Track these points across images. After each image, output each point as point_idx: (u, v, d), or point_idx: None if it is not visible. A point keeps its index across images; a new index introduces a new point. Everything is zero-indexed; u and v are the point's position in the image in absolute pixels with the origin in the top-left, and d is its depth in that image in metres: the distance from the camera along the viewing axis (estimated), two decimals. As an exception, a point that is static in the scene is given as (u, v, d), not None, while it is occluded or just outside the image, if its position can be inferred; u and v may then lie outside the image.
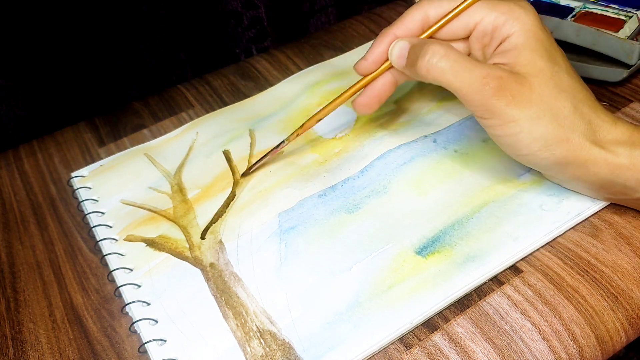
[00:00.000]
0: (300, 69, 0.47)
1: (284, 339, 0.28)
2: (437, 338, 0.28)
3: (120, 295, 0.32)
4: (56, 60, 0.42)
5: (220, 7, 0.47)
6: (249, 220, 0.34)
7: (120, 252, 0.33)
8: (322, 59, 0.48)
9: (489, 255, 0.30)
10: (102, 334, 0.30)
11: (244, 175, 0.37)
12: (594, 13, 0.40)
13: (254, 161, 0.38)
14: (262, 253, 0.32)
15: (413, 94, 0.42)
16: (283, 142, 0.36)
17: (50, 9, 0.40)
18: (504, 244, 0.31)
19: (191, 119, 0.44)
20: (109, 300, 0.32)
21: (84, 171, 0.40)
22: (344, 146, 0.38)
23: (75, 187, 0.38)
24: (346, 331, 0.28)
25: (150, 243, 0.34)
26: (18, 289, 0.33)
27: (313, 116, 0.35)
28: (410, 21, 0.33)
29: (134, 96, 0.47)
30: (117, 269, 0.32)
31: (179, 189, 0.37)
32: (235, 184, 0.37)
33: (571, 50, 0.39)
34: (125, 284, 0.32)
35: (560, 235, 0.31)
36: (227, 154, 0.39)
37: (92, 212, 0.36)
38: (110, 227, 0.35)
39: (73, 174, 0.40)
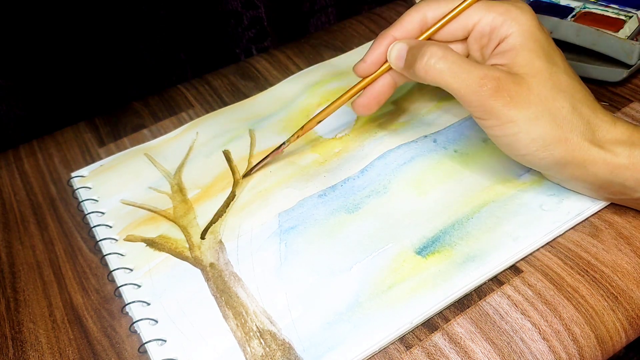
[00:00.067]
0: (300, 69, 0.47)
1: (284, 339, 0.28)
2: (437, 338, 0.28)
3: (120, 295, 0.32)
4: (56, 60, 0.42)
5: (220, 7, 0.47)
6: (249, 220, 0.34)
7: (120, 252, 0.33)
8: (322, 59, 0.48)
9: (489, 255, 0.30)
10: (102, 334, 0.30)
11: (245, 176, 0.37)
12: (594, 13, 0.40)
13: (254, 161, 0.38)
14: (262, 253, 0.32)
15: (412, 94, 0.42)
16: (284, 143, 0.36)
17: (50, 9, 0.40)
18: (504, 244, 0.31)
19: (191, 119, 0.44)
20: (109, 300, 0.32)
21: (84, 171, 0.40)
22: (344, 146, 0.38)
23: (75, 187, 0.38)
24: (346, 331, 0.28)
25: (150, 243, 0.34)
26: (18, 289, 0.33)
27: (313, 118, 0.36)
28: (408, 23, 0.33)
29: (134, 96, 0.47)
30: (117, 269, 0.32)
31: (179, 189, 0.37)
32: (235, 184, 0.37)
33: (571, 50, 0.39)
34: (125, 284, 0.32)
35: (560, 235, 0.31)
36: (227, 154, 0.39)
37: (92, 212, 0.36)
38: (110, 227, 0.35)
39: (73, 174, 0.40)
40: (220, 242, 0.33)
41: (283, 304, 0.29)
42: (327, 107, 0.35)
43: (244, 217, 0.34)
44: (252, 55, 0.51)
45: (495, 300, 0.29)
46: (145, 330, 0.29)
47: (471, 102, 0.29)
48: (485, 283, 0.30)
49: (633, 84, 0.40)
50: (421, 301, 0.29)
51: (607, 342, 0.27)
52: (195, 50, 0.48)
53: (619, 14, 0.40)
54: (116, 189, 0.38)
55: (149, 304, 0.30)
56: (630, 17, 0.39)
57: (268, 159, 0.37)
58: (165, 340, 0.29)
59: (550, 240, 0.31)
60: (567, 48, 0.38)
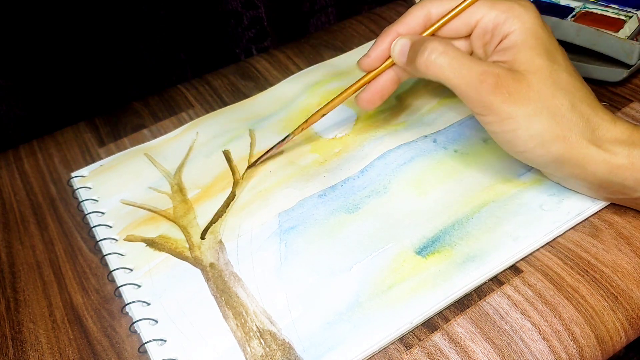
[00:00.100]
0: (300, 69, 0.47)
1: (284, 339, 0.28)
2: (437, 338, 0.28)
3: (120, 295, 0.32)
4: (56, 60, 0.42)
5: (220, 7, 0.47)
6: (249, 220, 0.34)
7: (120, 252, 0.33)
8: (322, 59, 0.48)
9: (489, 255, 0.30)
10: (102, 334, 0.30)
11: (250, 167, 0.37)
12: (594, 13, 0.40)
13: (254, 161, 0.38)
14: (262, 253, 0.32)
15: (416, 90, 0.42)
16: (288, 136, 0.37)
17: (50, 9, 0.40)
18: (504, 244, 0.31)
19: (191, 119, 0.44)
20: (109, 300, 0.32)
21: (84, 171, 0.40)
22: (344, 146, 0.38)
23: (75, 187, 0.38)
24: (346, 331, 0.28)
25: (150, 243, 0.34)
26: (18, 289, 0.33)
27: (318, 111, 0.36)
28: (412, 19, 0.33)
29: (134, 96, 0.47)
30: (117, 269, 0.32)
31: (179, 189, 0.37)
32: (235, 184, 0.37)
33: (571, 50, 0.39)
34: (125, 284, 0.32)
35: (560, 235, 0.31)
36: (227, 154, 0.39)
37: (92, 212, 0.36)
38: (110, 227, 0.35)
39: (73, 174, 0.40)
40: (220, 242, 0.33)
41: (283, 304, 0.29)
42: (331, 100, 0.35)
43: (244, 217, 0.34)
44: (252, 55, 0.51)
45: (495, 300, 0.29)
46: (145, 330, 0.29)
47: (471, 97, 0.29)
48: (485, 283, 0.30)
49: (633, 84, 0.40)
50: (421, 301, 0.29)
51: (607, 342, 0.27)
52: (195, 50, 0.48)
53: (619, 14, 0.40)
54: (116, 189, 0.38)
55: (149, 304, 0.30)
56: (630, 17, 0.39)
57: (273, 151, 0.37)
58: (165, 340, 0.29)
59: (550, 240, 0.31)
60: (567, 48, 0.38)
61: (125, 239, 0.34)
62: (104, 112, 0.46)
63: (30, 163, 0.42)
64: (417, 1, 0.34)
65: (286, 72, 0.47)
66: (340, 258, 0.31)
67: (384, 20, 0.52)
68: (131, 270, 0.32)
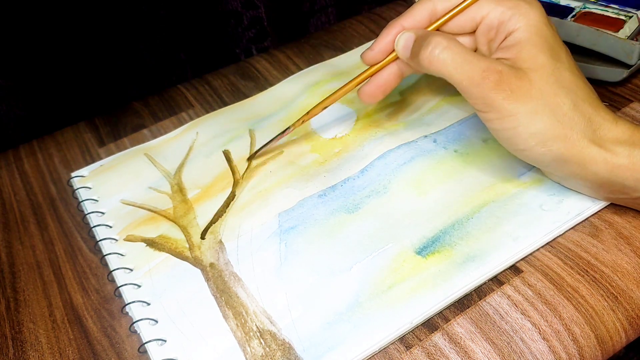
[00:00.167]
0: (300, 69, 0.47)
1: (284, 339, 0.28)
2: (437, 338, 0.28)
3: (120, 295, 0.32)
4: (56, 60, 0.42)
5: (220, 7, 0.47)
6: (249, 220, 0.34)
7: (120, 252, 0.33)
8: (322, 59, 0.48)
9: (489, 255, 0.30)
10: (102, 334, 0.30)
11: (250, 159, 0.38)
12: (594, 13, 0.40)
13: (254, 161, 0.38)
14: (262, 253, 0.32)
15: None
16: (289, 127, 0.37)
17: (50, 9, 0.40)
18: (504, 244, 0.31)
19: (191, 119, 0.44)
20: (109, 300, 0.32)
21: (84, 171, 0.40)
22: (344, 146, 0.38)
23: (75, 187, 0.38)
24: (346, 331, 0.28)
25: (150, 243, 0.34)
26: (18, 289, 0.33)
27: (319, 103, 0.36)
28: (418, 13, 0.33)
29: (134, 96, 0.47)
30: (117, 269, 0.32)
31: (179, 189, 0.37)
32: (235, 184, 0.37)
33: (571, 50, 0.39)
34: (125, 284, 0.32)
35: (560, 235, 0.31)
36: (227, 154, 0.39)
37: (92, 212, 0.36)
38: (110, 227, 0.35)
39: (73, 174, 0.40)
40: (220, 242, 0.33)
41: (283, 304, 0.29)
42: (334, 93, 0.35)
43: (244, 217, 0.34)
44: (252, 55, 0.51)
45: (495, 300, 0.29)
46: (145, 330, 0.29)
47: (472, 94, 0.29)
48: (485, 283, 0.30)
49: (633, 84, 0.40)
50: (421, 301, 0.29)
51: (607, 342, 0.27)
52: (195, 50, 0.48)
53: (619, 14, 0.40)
54: (116, 189, 0.38)
55: (149, 304, 0.30)
56: (630, 17, 0.39)
57: (273, 142, 0.37)
58: (165, 340, 0.29)
59: (550, 240, 0.31)
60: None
61: (125, 239, 0.34)
62: (104, 112, 0.46)
63: (30, 163, 0.42)
64: (417, 0, 0.34)
65: (286, 72, 0.47)
66: (340, 258, 0.31)
67: (384, 20, 0.52)
68: (131, 270, 0.32)
